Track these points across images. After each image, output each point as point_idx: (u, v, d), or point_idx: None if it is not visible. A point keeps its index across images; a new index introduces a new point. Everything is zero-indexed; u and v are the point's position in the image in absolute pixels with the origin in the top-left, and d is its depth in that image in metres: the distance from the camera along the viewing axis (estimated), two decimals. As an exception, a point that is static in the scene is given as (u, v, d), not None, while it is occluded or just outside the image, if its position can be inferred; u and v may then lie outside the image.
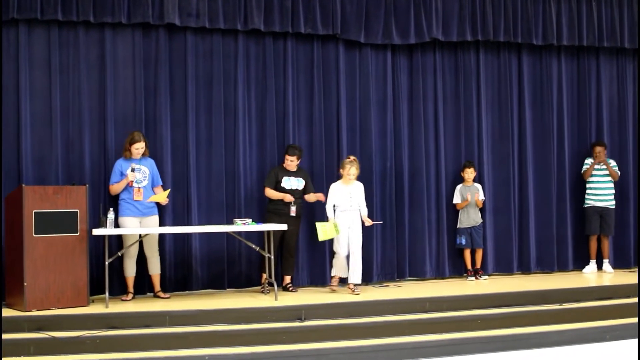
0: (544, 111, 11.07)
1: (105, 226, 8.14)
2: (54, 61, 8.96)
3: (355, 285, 9.01)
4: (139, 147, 8.70)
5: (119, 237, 8.73)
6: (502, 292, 9.11)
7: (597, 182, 10.85)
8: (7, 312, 7.64)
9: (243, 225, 8.63)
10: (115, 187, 8.72)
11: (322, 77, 10.08)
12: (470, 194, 10.28)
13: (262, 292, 9.11)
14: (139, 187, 8.70)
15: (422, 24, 10.29)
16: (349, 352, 7.34)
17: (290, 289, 9.33)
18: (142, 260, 8.85)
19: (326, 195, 9.28)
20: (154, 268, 8.87)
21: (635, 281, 9.71)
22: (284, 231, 9.07)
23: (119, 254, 8.38)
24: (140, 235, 8.60)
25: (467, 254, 10.38)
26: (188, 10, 9.34)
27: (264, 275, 9.16)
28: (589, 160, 10.93)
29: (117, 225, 8.58)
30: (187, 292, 9.30)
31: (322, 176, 9.94)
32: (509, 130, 10.89)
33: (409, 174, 10.35)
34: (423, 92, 10.51)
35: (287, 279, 9.43)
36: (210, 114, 9.58)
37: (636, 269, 11.05)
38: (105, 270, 8.05)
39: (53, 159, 8.87)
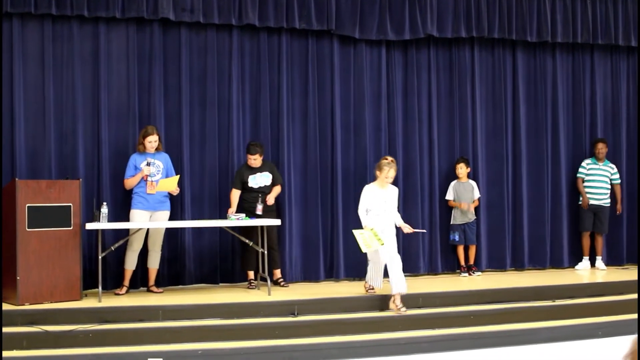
0: (538, 108, 11.09)
1: (99, 220, 8.13)
2: (48, 55, 8.95)
3: (401, 298, 8.06)
4: (152, 141, 8.71)
5: (115, 231, 8.72)
6: (495, 288, 9.13)
7: (593, 180, 10.88)
8: (-1, 306, 7.64)
9: (237, 220, 8.63)
10: (129, 181, 8.75)
11: (317, 72, 10.08)
12: (465, 201, 10.27)
13: (249, 288, 9.08)
14: (152, 181, 8.70)
15: (417, 20, 10.30)
16: (342, 347, 7.35)
17: (282, 283, 9.32)
18: (140, 253, 8.86)
19: (357, 197, 9.00)
20: (154, 262, 8.88)
21: (628, 278, 9.75)
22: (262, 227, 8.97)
23: (112, 248, 8.36)
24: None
25: (461, 250, 10.40)
26: (182, 5, 9.34)
27: (250, 273, 9.17)
28: (585, 163, 10.93)
29: (128, 217, 8.60)
30: (180, 286, 9.31)
31: (316, 171, 9.94)
32: (503, 127, 10.91)
33: (402, 169, 10.35)
34: (417, 88, 10.52)
35: (277, 273, 9.41)
36: (204, 109, 9.58)
37: (628, 266, 11.09)
38: (98, 264, 8.06)
39: (46, 153, 8.86)
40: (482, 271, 10.53)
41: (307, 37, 10.06)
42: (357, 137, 10.18)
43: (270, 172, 9.28)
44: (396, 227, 8.33)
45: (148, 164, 8.68)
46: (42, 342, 6.94)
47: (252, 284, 9.14)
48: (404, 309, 7.95)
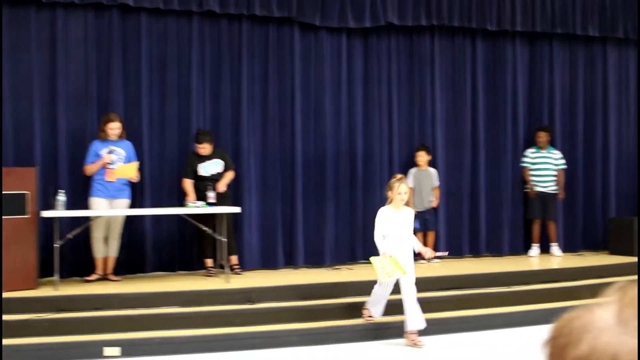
0: (497, 96, 11.19)
1: (55, 208, 8.07)
2: (5, 41, 8.84)
3: (418, 332, 7.35)
4: (114, 128, 8.66)
5: (74, 219, 8.65)
6: (452, 275, 9.23)
7: (539, 168, 11.01)
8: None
9: (196, 208, 8.61)
10: (89, 168, 8.71)
11: (277, 59, 10.07)
12: (425, 188, 10.33)
13: (207, 276, 9.08)
14: (112, 169, 8.64)
15: (378, 7, 10.32)
16: (300, 335, 7.41)
17: (236, 269, 9.29)
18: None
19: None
20: (112, 250, 8.84)
21: (583, 264, 9.94)
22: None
23: (70, 236, 8.31)
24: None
25: (419, 237, 10.46)
26: (142, -10, 9.27)
27: (208, 260, 9.17)
28: (529, 152, 11.04)
29: (87, 205, 8.56)
30: (138, 274, 9.28)
31: (275, 158, 9.95)
32: (462, 115, 10.99)
33: (363, 156, 10.40)
34: (378, 76, 10.56)
35: (234, 259, 9.38)
36: (164, 96, 9.54)
37: (583, 253, 11.25)
38: (54, 252, 8.00)
39: (2, 140, 8.76)
40: (440, 258, 10.61)
41: (268, 24, 10.04)
42: (317, 124, 10.20)
43: (221, 159, 9.24)
44: (414, 253, 7.52)
45: (110, 152, 8.63)
46: (-3, 331, 6.90)
47: (211, 272, 9.15)
48: (421, 342, 7.27)
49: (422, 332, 7.38)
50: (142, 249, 9.32)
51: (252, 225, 9.79)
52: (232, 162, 9.39)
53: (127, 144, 8.88)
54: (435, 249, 10.54)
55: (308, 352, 7.14)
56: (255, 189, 9.86)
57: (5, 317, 7.04)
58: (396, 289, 7.33)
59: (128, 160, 8.79)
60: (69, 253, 8.83)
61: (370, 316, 7.65)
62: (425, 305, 8.16)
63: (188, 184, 9.10)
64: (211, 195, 8.81)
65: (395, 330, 7.56)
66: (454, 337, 7.68)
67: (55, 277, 7.95)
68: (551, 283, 9.17)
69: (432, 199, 10.45)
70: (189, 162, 9.16)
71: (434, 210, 10.52)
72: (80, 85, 9.17)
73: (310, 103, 10.19)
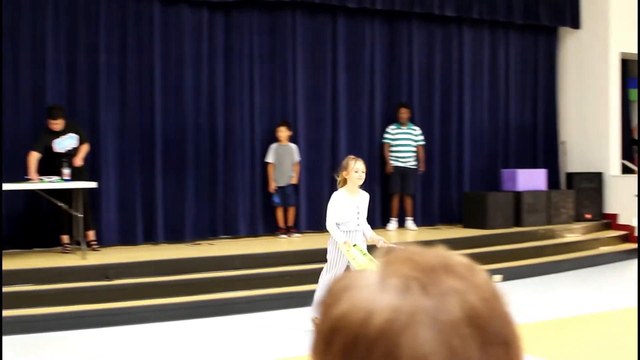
0: (357, 73, 11.38)
1: None
2: None
3: None
4: None
5: None
6: (313, 249, 9.33)
7: (399, 145, 11.30)
8: None
9: (49, 183, 8.38)
10: None
11: (136, 33, 9.88)
12: (286, 164, 10.40)
13: (63, 252, 8.85)
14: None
15: (239, -18, 10.28)
16: (156, 310, 7.36)
17: (94, 246, 9.08)
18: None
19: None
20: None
21: (436, 237, 10.26)
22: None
23: None
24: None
25: (280, 212, 10.57)
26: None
27: (64, 237, 8.94)
28: (390, 129, 11.31)
29: None
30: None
31: (134, 134, 9.79)
32: (323, 91, 11.12)
33: (224, 132, 10.37)
34: (239, 51, 10.53)
35: (91, 234, 9.13)
36: (17, 68, 9.18)
37: (439, 227, 11.65)
38: None
39: None
40: (301, 232, 10.75)
41: (126, -4, 9.82)
42: (177, 99, 10.08)
43: (75, 133, 8.97)
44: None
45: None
46: None
47: (67, 249, 8.93)
48: None
49: (274, 308, 7.46)
50: (-7, 226, 8.98)
51: (110, 201, 9.61)
52: (87, 136, 9.14)
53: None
54: (296, 225, 10.69)
55: (167, 327, 7.10)
56: (114, 164, 9.66)
57: None
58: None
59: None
60: None
61: None
62: (283, 279, 8.29)
63: (33, 158, 8.61)
64: (66, 172, 8.54)
65: (246, 305, 7.64)
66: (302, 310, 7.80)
67: None
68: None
69: (293, 175, 10.55)
70: (42, 138, 8.82)
71: (294, 185, 10.62)
72: None
73: (171, 77, 10.06)
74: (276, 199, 10.49)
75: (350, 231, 6.56)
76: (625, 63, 13.31)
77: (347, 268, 6.41)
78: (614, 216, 12.40)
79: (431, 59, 12.00)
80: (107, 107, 9.61)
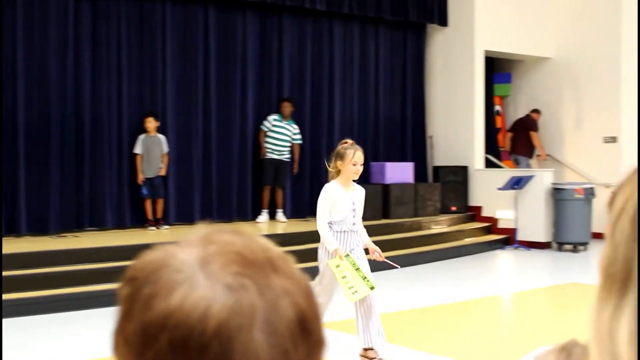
0: (229, 65, 11.31)
1: None
2: None
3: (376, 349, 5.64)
4: None
5: None
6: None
7: (275, 137, 11.31)
8: None
9: None
10: None
11: (-3, 17, 9.48)
12: (154, 156, 10.23)
13: None
14: None
15: (107, -31, 10.03)
16: (20, 305, 7.10)
17: None
18: None
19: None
20: None
21: (307, 229, 10.33)
22: None
23: None
24: None
25: (148, 204, 10.40)
26: None
27: None
28: (272, 118, 11.31)
29: None
30: None
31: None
32: (194, 82, 11.00)
33: (90, 122, 10.10)
34: (107, 39, 10.26)
35: None
36: None
37: (309, 219, 11.72)
38: None
39: None
40: (170, 225, 10.61)
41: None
42: (40, 87, 9.72)
43: None
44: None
45: None
46: None
47: None
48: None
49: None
50: None
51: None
52: None
53: None
54: (165, 216, 10.54)
55: (27, 322, 6.88)
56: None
57: None
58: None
59: None
60: None
61: None
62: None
63: None
64: None
65: (112, 298, 7.47)
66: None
67: None
68: (284, 247, 9.45)
69: (161, 166, 10.39)
70: None
71: (163, 177, 10.46)
72: None
73: (33, 65, 9.68)
74: (144, 191, 10.31)
75: (344, 231, 5.59)
76: (491, 60, 13.79)
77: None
78: (478, 208, 12.82)
79: (302, 53, 12.06)
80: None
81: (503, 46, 13.20)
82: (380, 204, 11.59)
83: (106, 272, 7.95)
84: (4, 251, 8.19)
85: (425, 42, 13.54)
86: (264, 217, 11.32)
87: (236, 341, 0.73)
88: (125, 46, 10.41)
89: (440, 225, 11.96)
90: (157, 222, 10.39)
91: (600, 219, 11.53)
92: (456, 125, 13.12)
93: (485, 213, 12.73)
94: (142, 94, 10.59)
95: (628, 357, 0.90)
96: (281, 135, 11.31)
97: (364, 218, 11.20)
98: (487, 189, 12.53)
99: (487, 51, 13.07)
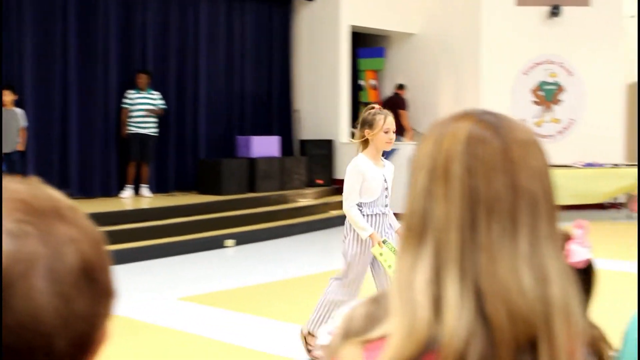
0: (90, 37, 10.97)
1: None
2: None
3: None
4: None
5: None
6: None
7: (138, 110, 11.08)
8: None
9: None
10: None
11: None
12: (10, 130, 9.84)
13: None
14: None
15: None
16: None
17: None
18: None
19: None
20: None
21: (172, 204, 10.25)
22: None
23: None
24: None
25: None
26: None
27: None
28: (128, 94, 11.07)
29: None
30: None
31: None
32: (53, 54, 10.62)
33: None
34: (-43, 8, 9.77)
35: None
36: None
37: (175, 193, 11.60)
38: None
39: None
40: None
41: None
42: None
43: None
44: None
45: None
46: None
47: None
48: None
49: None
50: None
51: None
52: None
53: None
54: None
55: None
56: None
57: None
58: None
59: None
60: None
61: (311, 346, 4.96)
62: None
63: None
64: None
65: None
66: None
67: None
68: (140, 222, 9.34)
69: (18, 140, 10.00)
70: None
71: (21, 152, 10.08)
72: None
73: None
74: (3, 167, 9.91)
75: (376, 215, 4.83)
76: (357, 35, 13.96)
77: (377, 270, 4.86)
78: (342, 181, 12.96)
79: (166, 25, 11.85)
80: None
81: (369, 21, 13.39)
82: (246, 178, 11.58)
83: None
84: None
85: (292, 16, 13.57)
86: (128, 192, 11.09)
87: (17, 288, 0.73)
88: (-23, 15, 9.95)
89: (306, 198, 12.07)
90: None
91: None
92: (322, 99, 13.24)
93: (350, 186, 12.88)
94: (-3, 65, 10.15)
95: (422, 305, 0.96)
96: (143, 106, 11.07)
97: (230, 192, 11.32)
98: (352, 163, 12.70)
99: (353, 26, 13.22)
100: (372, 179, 4.77)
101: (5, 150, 9.86)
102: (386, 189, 4.87)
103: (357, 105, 14.06)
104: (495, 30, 13.18)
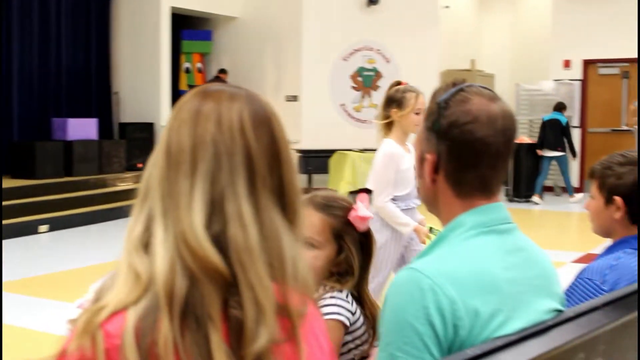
0: None
1: None
2: None
3: None
4: None
5: None
6: None
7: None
8: None
9: None
10: None
11: None
12: None
13: None
14: None
15: None
16: None
17: None
18: None
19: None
20: None
21: None
22: None
23: None
24: None
25: None
26: None
27: None
28: None
29: None
30: None
31: None
32: None
33: None
34: None
35: None
36: None
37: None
38: None
39: None
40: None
41: None
42: None
43: None
44: None
45: None
46: None
47: None
48: None
49: None
50: None
51: None
52: None
53: None
54: None
55: None
56: None
57: None
58: None
59: None
60: None
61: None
62: None
63: None
64: None
65: None
66: None
67: None
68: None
69: None
70: None
71: None
72: None
73: None
74: None
75: (410, 209, 4.21)
76: (184, 18, 13.77)
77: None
78: (164, 165, 12.80)
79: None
80: None
81: (191, 3, 13.23)
82: (62, 161, 11.20)
83: None
84: None
85: (110, -5, 13.21)
86: None
87: None
88: None
89: (125, 182, 11.81)
90: None
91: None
92: (142, 82, 12.98)
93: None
94: None
95: (139, 253, 1.10)
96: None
97: (45, 176, 10.92)
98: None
99: (176, 8, 13.02)
100: (407, 169, 4.09)
101: None
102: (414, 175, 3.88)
103: (178, 88, 13.91)
104: (316, 16, 13.38)
